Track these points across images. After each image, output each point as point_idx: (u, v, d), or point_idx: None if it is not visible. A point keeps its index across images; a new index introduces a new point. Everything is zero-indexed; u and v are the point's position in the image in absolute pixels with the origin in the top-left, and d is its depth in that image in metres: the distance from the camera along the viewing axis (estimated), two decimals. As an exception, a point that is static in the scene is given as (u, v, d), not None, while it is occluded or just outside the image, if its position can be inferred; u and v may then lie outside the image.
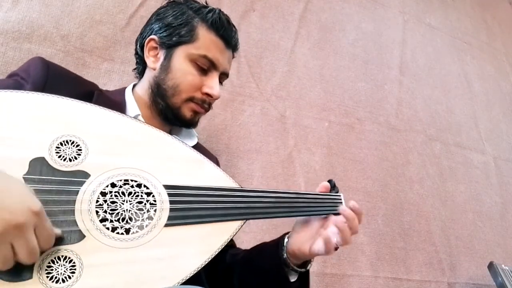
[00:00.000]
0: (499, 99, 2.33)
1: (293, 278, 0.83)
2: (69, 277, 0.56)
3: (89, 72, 1.23)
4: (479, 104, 2.21)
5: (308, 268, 0.84)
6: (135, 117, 0.86)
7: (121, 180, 0.66)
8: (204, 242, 0.69)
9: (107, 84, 1.25)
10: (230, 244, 0.99)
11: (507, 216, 1.99)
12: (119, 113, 0.74)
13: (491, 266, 1.51)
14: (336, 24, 1.89)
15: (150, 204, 0.67)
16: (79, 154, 0.65)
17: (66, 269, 0.56)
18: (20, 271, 0.54)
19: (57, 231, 0.57)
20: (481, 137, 2.12)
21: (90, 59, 1.26)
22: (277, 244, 0.84)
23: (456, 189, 1.89)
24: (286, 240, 0.83)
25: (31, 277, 0.54)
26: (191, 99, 0.90)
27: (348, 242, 0.77)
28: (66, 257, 0.57)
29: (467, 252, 1.77)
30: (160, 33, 0.91)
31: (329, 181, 0.90)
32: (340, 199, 0.87)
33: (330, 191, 0.89)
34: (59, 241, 0.57)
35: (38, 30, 1.20)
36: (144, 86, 0.94)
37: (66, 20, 1.25)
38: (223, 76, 0.96)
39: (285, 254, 0.81)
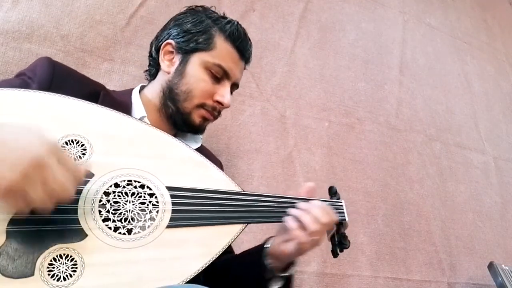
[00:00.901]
0: (499, 99, 2.33)
1: (276, 285, 0.83)
2: (71, 275, 0.56)
3: (89, 72, 1.23)
4: (479, 104, 2.22)
5: (289, 272, 0.83)
6: (141, 119, 0.87)
7: (124, 181, 0.67)
8: (205, 244, 0.69)
9: (107, 84, 1.24)
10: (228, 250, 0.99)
11: (507, 216, 1.99)
12: (125, 114, 0.74)
13: (491, 266, 1.52)
14: (336, 24, 1.89)
15: (153, 205, 0.67)
16: (83, 154, 0.65)
17: (68, 267, 0.57)
18: (21, 269, 0.54)
19: (86, 166, 0.58)
20: (481, 137, 2.12)
21: (90, 59, 1.26)
22: (259, 250, 0.84)
23: (456, 189, 1.89)
24: (268, 244, 0.83)
25: (32, 274, 0.54)
26: (202, 106, 0.91)
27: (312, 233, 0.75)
28: (67, 255, 0.57)
29: (467, 252, 1.77)
30: (178, 38, 0.93)
31: (331, 188, 0.90)
32: (342, 205, 0.88)
33: (332, 198, 0.89)
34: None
35: (38, 30, 1.20)
36: (155, 89, 0.95)
37: (66, 20, 1.25)
38: (234, 86, 0.98)
39: (266, 258, 0.81)
